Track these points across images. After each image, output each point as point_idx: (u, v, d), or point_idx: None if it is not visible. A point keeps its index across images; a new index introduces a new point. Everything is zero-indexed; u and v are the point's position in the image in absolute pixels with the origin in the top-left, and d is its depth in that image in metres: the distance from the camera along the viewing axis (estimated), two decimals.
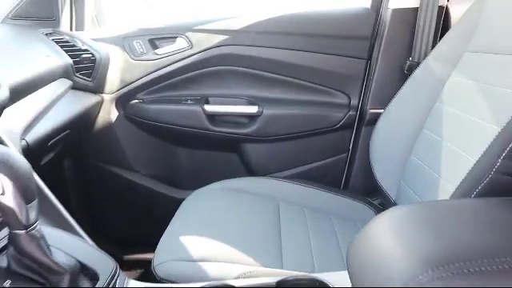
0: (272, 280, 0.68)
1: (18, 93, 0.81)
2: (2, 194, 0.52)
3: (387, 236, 0.54)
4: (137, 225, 1.50)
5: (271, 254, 0.87)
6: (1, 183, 0.52)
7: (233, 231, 0.94)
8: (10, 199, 0.52)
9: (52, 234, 0.61)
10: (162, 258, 0.84)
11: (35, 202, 0.56)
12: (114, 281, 0.67)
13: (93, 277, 0.64)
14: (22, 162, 0.54)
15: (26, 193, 0.54)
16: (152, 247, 0.92)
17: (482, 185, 0.66)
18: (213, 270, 0.79)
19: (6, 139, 0.76)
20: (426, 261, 0.47)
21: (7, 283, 0.55)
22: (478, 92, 0.92)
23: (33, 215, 0.56)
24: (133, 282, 0.72)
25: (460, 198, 0.77)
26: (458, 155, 0.86)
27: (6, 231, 0.61)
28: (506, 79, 0.84)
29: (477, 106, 0.89)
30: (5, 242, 0.60)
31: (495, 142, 0.68)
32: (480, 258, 0.47)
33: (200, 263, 0.81)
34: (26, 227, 0.55)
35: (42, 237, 0.58)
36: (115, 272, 0.68)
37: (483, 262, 0.47)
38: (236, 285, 0.68)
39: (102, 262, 0.68)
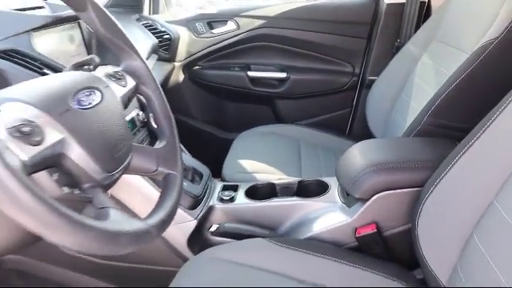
0: (296, 180, 1.20)
1: None
2: None
3: (356, 154, 1.05)
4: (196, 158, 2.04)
5: (294, 171, 1.39)
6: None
7: (269, 157, 1.44)
8: None
9: None
10: (227, 171, 1.37)
11: None
12: (209, 179, 1.20)
13: (200, 175, 1.18)
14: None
15: None
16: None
17: (416, 131, 1.14)
18: (259, 177, 1.31)
19: None
20: (370, 162, 0.97)
21: None
22: (433, 70, 1.37)
23: None
24: (218, 183, 1.25)
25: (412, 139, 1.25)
26: (415, 111, 1.34)
27: None
28: (450, 64, 1.28)
29: (431, 79, 1.34)
30: None
31: (427, 104, 1.16)
32: (399, 162, 0.97)
33: (251, 174, 1.33)
34: None
35: None
36: (210, 174, 1.21)
37: (401, 163, 0.97)
38: (274, 182, 1.20)
39: (203, 168, 1.21)
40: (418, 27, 1.63)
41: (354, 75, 1.83)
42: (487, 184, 0.76)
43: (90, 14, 0.69)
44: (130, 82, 0.74)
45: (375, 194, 0.96)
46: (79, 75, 0.63)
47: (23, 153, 0.46)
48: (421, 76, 1.42)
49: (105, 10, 0.71)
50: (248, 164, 1.39)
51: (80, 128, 0.54)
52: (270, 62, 1.89)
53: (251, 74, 1.88)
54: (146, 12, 1.87)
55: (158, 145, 0.75)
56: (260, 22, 1.82)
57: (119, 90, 0.69)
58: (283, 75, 1.86)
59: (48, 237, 0.44)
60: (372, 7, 1.74)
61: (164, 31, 1.74)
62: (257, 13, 1.84)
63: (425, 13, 1.68)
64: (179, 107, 1.96)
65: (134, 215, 1.02)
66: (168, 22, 1.82)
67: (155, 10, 1.92)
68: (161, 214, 0.61)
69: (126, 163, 0.64)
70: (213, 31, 1.87)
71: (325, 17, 1.79)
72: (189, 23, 1.86)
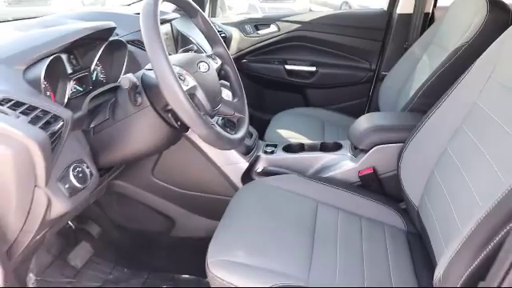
0: (319, 142, 1.61)
1: None
2: None
3: (363, 120, 1.46)
4: None
5: (318, 139, 1.80)
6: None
7: (300, 129, 1.85)
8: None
9: None
10: (268, 137, 1.80)
11: None
12: (257, 138, 1.63)
13: (251, 134, 1.61)
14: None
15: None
16: None
17: (409, 107, 1.54)
18: (292, 141, 1.73)
19: None
20: (371, 125, 1.39)
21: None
22: (428, 66, 1.72)
23: None
24: (262, 142, 1.67)
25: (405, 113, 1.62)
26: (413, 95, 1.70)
27: None
28: (438, 61, 1.62)
29: (425, 73, 1.70)
30: None
31: (418, 89, 1.55)
32: (391, 125, 1.39)
33: (286, 138, 1.75)
34: None
35: None
36: (257, 135, 1.64)
37: (392, 126, 1.38)
38: (303, 142, 1.61)
39: (253, 129, 1.64)
40: (422, 33, 2.02)
41: (371, 71, 2.24)
42: (442, 137, 1.16)
43: (198, 19, 1.14)
44: (218, 61, 1.18)
45: (374, 147, 1.38)
46: (195, 54, 1.08)
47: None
48: (419, 71, 1.80)
49: (206, 17, 1.16)
50: (284, 133, 1.82)
51: (202, 81, 0.99)
52: (303, 58, 2.32)
53: (287, 67, 2.32)
54: (206, 15, 2.31)
55: (234, 100, 1.19)
56: (296, 25, 2.26)
57: (214, 65, 1.14)
58: (313, 69, 2.29)
59: (194, 130, 0.88)
60: (386, 16, 2.15)
61: (220, 31, 2.18)
62: (294, 18, 2.27)
63: (429, 21, 2.06)
64: None
65: (205, 155, 1.46)
66: (223, 23, 2.26)
67: (213, 13, 2.37)
68: (238, 136, 1.05)
69: (218, 107, 1.08)
70: (258, 32, 2.31)
71: (348, 23, 2.20)
72: (240, 25, 2.31)
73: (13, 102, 0.83)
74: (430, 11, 2.05)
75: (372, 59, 2.23)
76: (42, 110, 0.87)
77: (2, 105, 0.80)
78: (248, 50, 2.32)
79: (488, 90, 1.08)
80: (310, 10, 9.16)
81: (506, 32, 1.12)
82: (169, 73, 0.84)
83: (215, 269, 0.98)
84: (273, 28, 2.29)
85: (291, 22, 2.26)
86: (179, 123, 1.02)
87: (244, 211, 1.21)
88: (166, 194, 1.56)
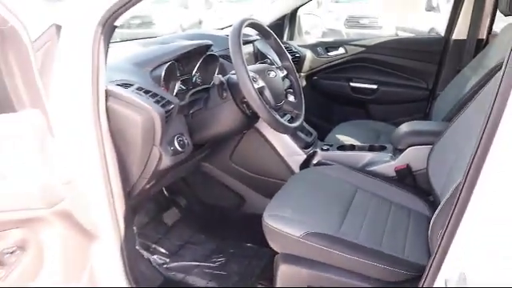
0: (368, 144, 1.90)
1: None
2: None
3: (404, 126, 1.73)
4: None
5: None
6: None
7: (357, 137, 2.13)
8: None
9: None
10: (327, 140, 2.12)
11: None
12: (316, 136, 1.96)
13: (311, 133, 1.94)
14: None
15: None
16: None
17: (446, 118, 1.78)
18: (346, 143, 2.03)
19: None
20: (409, 129, 1.67)
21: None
22: (473, 82, 1.95)
23: None
24: (320, 142, 2.00)
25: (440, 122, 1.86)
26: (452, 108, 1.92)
27: None
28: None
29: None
30: None
31: (455, 104, 1.78)
32: (424, 130, 1.65)
33: (342, 141, 2.06)
34: None
35: None
36: (316, 134, 1.97)
37: (425, 131, 1.65)
38: (354, 144, 1.91)
39: (313, 130, 1.98)
40: (474, 56, 2.22)
41: (427, 90, 2.47)
42: (461, 140, 1.40)
43: (271, 40, 1.53)
44: (285, 72, 1.56)
45: (409, 147, 1.65)
46: (267, 65, 1.47)
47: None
48: (466, 89, 2.01)
49: (277, 38, 1.54)
50: (341, 137, 2.12)
51: (269, 83, 1.37)
52: (366, 76, 2.61)
53: (352, 84, 2.63)
54: (285, 38, 2.72)
55: (294, 100, 1.55)
56: (361, 48, 2.58)
57: (280, 74, 1.52)
58: (375, 87, 2.58)
59: (260, 114, 1.26)
60: (443, 41, 2.38)
61: (296, 51, 2.56)
62: (359, 42, 2.60)
63: (484, 46, 2.25)
64: None
65: (273, 147, 1.83)
66: (299, 45, 2.64)
67: (291, 37, 2.76)
68: (292, 125, 1.40)
69: (281, 103, 1.45)
70: (328, 53, 2.66)
71: (408, 47, 2.47)
72: (313, 47, 2.67)
73: (144, 90, 1.27)
74: (484, 37, 2.24)
75: (429, 80, 2.46)
76: (161, 97, 1.30)
77: (139, 90, 1.25)
78: (319, 68, 2.67)
79: None
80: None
81: None
82: (245, 76, 1.23)
83: (268, 219, 1.33)
84: (341, 50, 2.62)
85: (357, 45, 2.58)
86: (251, 111, 1.41)
87: (297, 186, 1.55)
88: (240, 175, 1.94)
